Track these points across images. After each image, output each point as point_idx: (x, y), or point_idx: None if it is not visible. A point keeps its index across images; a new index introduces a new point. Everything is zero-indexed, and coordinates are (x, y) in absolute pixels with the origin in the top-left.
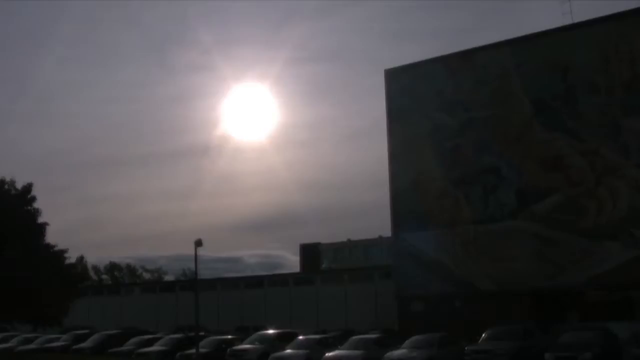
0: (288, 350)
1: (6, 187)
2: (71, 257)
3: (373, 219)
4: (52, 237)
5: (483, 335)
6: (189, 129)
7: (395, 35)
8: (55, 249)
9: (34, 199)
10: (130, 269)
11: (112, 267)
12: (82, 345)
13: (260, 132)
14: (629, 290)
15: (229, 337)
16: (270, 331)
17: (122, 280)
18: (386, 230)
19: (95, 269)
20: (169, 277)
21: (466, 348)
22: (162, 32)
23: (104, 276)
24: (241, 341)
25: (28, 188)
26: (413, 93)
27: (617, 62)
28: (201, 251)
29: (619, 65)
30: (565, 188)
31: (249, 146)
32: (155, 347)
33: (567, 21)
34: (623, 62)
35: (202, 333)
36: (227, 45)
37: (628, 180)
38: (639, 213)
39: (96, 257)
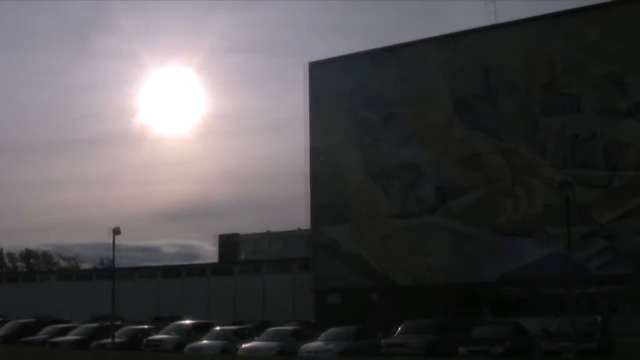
0: (204, 341)
1: None
2: None
3: (293, 211)
4: None
5: (398, 328)
6: (108, 116)
7: (320, 29)
8: None
9: None
10: (47, 257)
11: (28, 254)
12: None
13: (182, 121)
14: (541, 287)
15: (145, 326)
16: (187, 321)
17: (38, 267)
18: (305, 223)
19: (10, 255)
20: (86, 266)
21: (382, 341)
22: (83, 17)
23: (19, 263)
24: (157, 331)
25: None
26: (336, 87)
27: (536, 64)
28: (119, 240)
29: (538, 67)
30: (483, 185)
31: (170, 135)
32: (70, 336)
33: (490, 21)
34: (542, 63)
35: (118, 322)
36: (148, 33)
37: (544, 179)
38: (553, 211)
39: (11, 244)
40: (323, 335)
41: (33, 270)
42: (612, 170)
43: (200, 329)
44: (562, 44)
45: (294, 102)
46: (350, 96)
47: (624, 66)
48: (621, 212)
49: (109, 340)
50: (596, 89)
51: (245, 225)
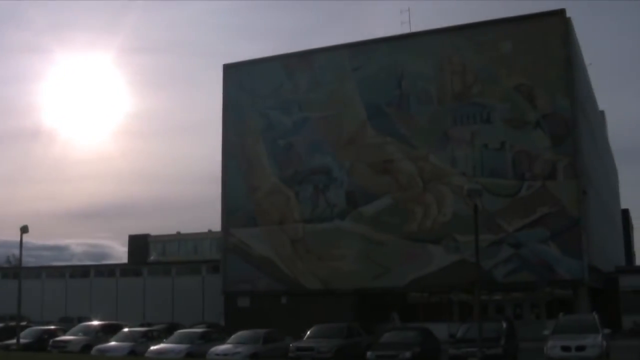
0: (112, 343)
1: None
2: None
3: (204, 212)
4: None
5: (307, 332)
6: (19, 112)
7: (235, 32)
8: None
9: None
10: None
11: None
12: None
13: (94, 119)
14: (448, 293)
15: (52, 327)
16: (95, 322)
17: None
18: (216, 225)
19: None
20: None
21: (290, 345)
22: None
23: None
24: (64, 332)
25: None
26: (250, 89)
27: (449, 73)
28: (27, 238)
29: (450, 76)
30: (394, 192)
31: (81, 133)
32: None
33: (405, 30)
34: (455, 73)
35: (23, 323)
36: (61, 29)
37: (453, 187)
38: (462, 219)
39: None
40: (232, 338)
41: None
42: (520, 180)
43: (109, 330)
44: (475, 54)
45: (208, 104)
46: (264, 99)
47: (534, 79)
48: (527, 221)
49: (14, 341)
50: (506, 100)
51: (156, 226)
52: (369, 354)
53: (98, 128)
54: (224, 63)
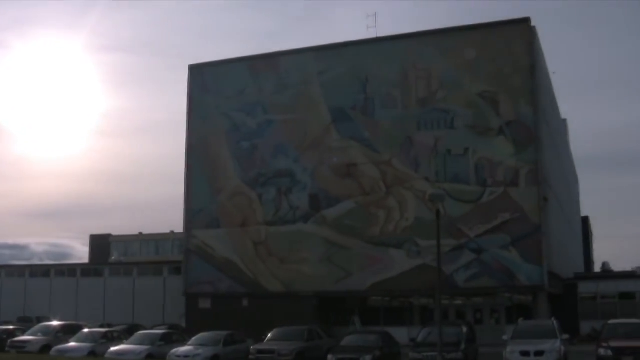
0: (72, 343)
1: None
2: None
3: (166, 213)
4: None
5: (268, 335)
6: None
7: (201, 33)
8: None
9: None
10: None
11: None
12: None
13: (56, 117)
14: (410, 297)
15: (10, 327)
16: (55, 322)
17: None
18: (179, 226)
19: None
20: None
21: (251, 347)
22: None
23: None
24: (23, 332)
25: None
26: (215, 91)
27: (414, 79)
28: None
29: (415, 82)
30: (357, 195)
31: (43, 131)
32: None
33: (371, 35)
34: (420, 79)
35: None
36: (23, 26)
37: (416, 192)
38: (424, 224)
39: None
40: (193, 340)
41: None
42: (482, 186)
43: (68, 331)
44: (440, 60)
45: (172, 104)
46: (229, 101)
47: (498, 86)
48: (489, 227)
49: None
50: (470, 107)
51: (118, 226)
52: (329, 357)
53: (60, 126)
54: (189, 64)
